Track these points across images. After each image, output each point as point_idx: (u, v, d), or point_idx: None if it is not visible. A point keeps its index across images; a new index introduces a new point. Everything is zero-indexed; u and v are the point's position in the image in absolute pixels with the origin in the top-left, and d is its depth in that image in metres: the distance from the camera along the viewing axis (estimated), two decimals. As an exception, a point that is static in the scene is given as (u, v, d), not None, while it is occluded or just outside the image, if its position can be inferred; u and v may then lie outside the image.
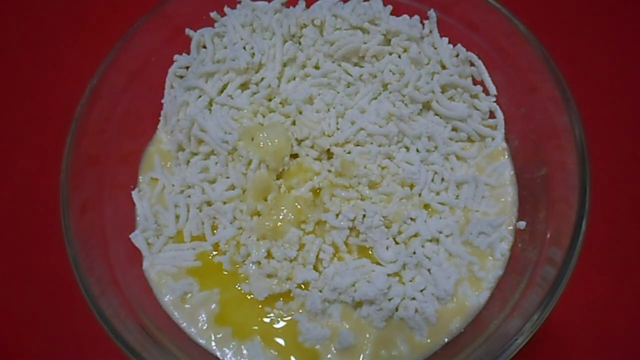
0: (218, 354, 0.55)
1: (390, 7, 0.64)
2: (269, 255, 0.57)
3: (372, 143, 0.59)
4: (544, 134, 0.57)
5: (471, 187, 0.59)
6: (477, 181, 0.59)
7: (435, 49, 0.64)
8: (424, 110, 0.62)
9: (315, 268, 0.57)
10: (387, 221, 0.57)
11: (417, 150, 0.60)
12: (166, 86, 0.66)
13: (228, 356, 0.55)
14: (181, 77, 0.66)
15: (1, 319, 0.65)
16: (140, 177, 0.63)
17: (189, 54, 0.66)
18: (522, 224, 0.58)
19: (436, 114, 0.62)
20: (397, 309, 0.55)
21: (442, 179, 0.60)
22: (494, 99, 0.63)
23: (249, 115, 0.60)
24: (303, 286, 0.56)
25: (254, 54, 0.63)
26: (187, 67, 0.66)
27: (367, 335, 0.54)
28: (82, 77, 0.58)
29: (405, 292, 0.55)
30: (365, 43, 0.63)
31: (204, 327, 0.56)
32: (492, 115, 0.64)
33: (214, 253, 0.59)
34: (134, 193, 0.62)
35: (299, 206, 0.57)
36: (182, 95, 0.62)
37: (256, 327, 0.56)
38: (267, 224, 0.57)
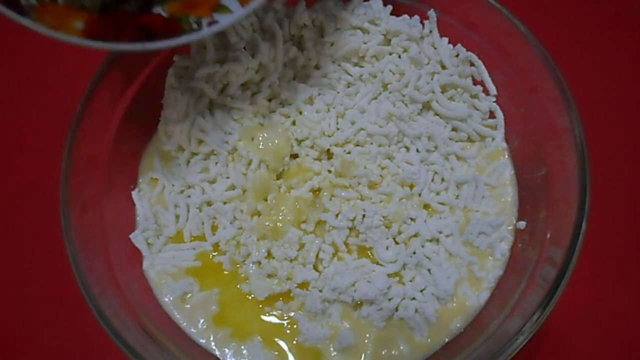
0: (218, 354, 0.55)
1: (390, 7, 0.64)
2: (269, 255, 0.57)
3: (372, 143, 0.59)
4: (544, 134, 0.57)
5: (471, 187, 0.59)
6: (477, 181, 0.59)
7: (435, 49, 0.64)
8: (424, 110, 0.62)
9: (315, 268, 0.57)
10: (387, 221, 0.57)
11: (417, 150, 0.60)
12: (166, 86, 0.66)
13: (228, 356, 0.55)
14: (181, 77, 0.66)
15: (1, 319, 0.65)
16: (140, 177, 0.63)
17: (189, 54, 0.66)
18: (522, 224, 0.58)
19: (436, 114, 0.62)
20: (397, 309, 0.55)
21: (442, 179, 0.60)
22: (494, 99, 0.63)
23: (249, 115, 0.60)
24: (303, 286, 0.56)
25: (254, 54, 0.63)
26: (187, 67, 0.66)
27: (367, 335, 0.54)
28: (82, 77, 0.58)
29: (405, 292, 0.55)
30: (365, 43, 0.63)
31: (204, 327, 0.56)
32: (492, 115, 0.64)
33: (214, 253, 0.59)
34: (134, 193, 0.62)
35: (299, 206, 0.57)
36: (182, 95, 0.62)
37: (256, 327, 0.56)
38: (267, 224, 0.57)
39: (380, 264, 0.57)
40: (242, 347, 0.55)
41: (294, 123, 0.61)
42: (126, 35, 0.48)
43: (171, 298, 0.58)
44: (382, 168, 0.59)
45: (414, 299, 0.55)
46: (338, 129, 0.60)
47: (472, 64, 0.64)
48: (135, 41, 0.48)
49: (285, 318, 0.56)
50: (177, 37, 0.49)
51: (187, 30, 0.49)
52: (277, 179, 0.60)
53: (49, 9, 0.47)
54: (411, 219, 0.58)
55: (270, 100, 0.62)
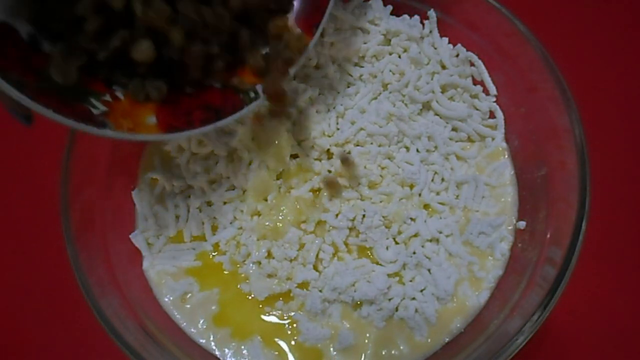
0: (218, 354, 0.55)
1: (390, 7, 0.64)
2: (269, 255, 0.57)
3: (372, 143, 0.59)
4: (544, 134, 0.57)
5: (471, 187, 0.59)
6: (477, 181, 0.59)
7: (435, 49, 0.64)
8: (424, 110, 0.62)
9: (315, 268, 0.57)
10: (387, 221, 0.57)
11: (417, 150, 0.60)
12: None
13: (228, 356, 0.55)
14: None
15: (1, 319, 0.65)
16: (140, 177, 0.63)
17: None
18: (522, 224, 0.58)
19: (436, 114, 0.62)
20: (397, 309, 0.55)
21: (442, 179, 0.60)
22: (494, 99, 0.63)
23: (249, 115, 0.60)
24: (303, 286, 0.56)
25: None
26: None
27: (367, 335, 0.54)
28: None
29: (405, 292, 0.55)
30: (365, 43, 0.63)
31: (204, 327, 0.56)
32: (492, 115, 0.64)
33: (214, 253, 0.59)
34: (134, 193, 0.62)
35: (298, 206, 0.57)
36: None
37: (256, 327, 0.56)
38: (267, 224, 0.57)
39: (380, 264, 0.57)
40: (242, 347, 0.55)
41: (294, 123, 0.61)
42: (196, 118, 0.49)
43: (171, 298, 0.58)
44: (382, 168, 0.59)
45: (414, 299, 0.55)
46: (338, 129, 0.60)
47: (472, 64, 0.64)
48: (206, 122, 0.49)
49: (285, 318, 0.56)
50: (241, 109, 0.50)
51: (248, 101, 0.51)
52: (277, 179, 0.60)
53: (118, 110, 0.46)
54: (411, 219, 0.58)
55: (270, 100, 0.62)
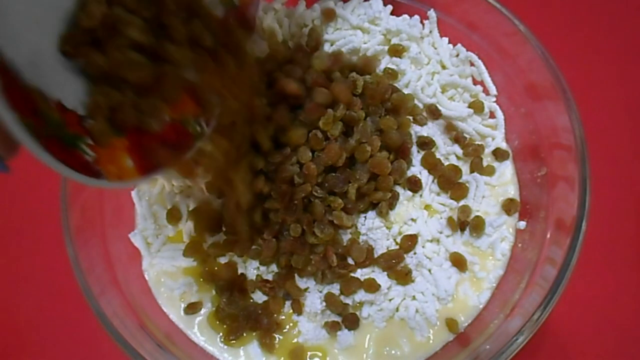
0: (217, 353, 0.55)
1: (390, 7, 0.64)
2: (269, 258, 0.57)
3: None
4: (544, 134, 0.57)
5: (471, 187, 0.59)
6: (477, 181, 0.59)
7: (435, 49, 0.64)
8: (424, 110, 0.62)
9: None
10: (388, 222, 0.57)
11: (418, 151, 0.60)
12: (166, 86, 0.65)
13: (227, 356, 0.55)
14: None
15: (1, 319, 0.65)
16: (139, 177, 0.63)
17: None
18: (522, 224, 0.58)
19: (436, 114, 0.62)
20: (397, 309, 0.55)
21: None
22: (494, 99, 0.63)
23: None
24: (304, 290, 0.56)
25: (254, 54, 0.62)
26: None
27: (368, 336, 0.54)
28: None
29: (406, 292, 0.55)
30: (365, 43, 0.63)
31: (203, 327, 0.56)
32: (492, 115, 0.64)
33: (214, 253, 0.59)
34: (133, 193, 0.62)
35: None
36: (182, 95, 0.62)
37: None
38: (267, 224, 0.57)
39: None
40: (242, 347, 0.55)
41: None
42: (159, 155, 0.47)
43: (170, 297, 0.58)
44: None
45: (414, 299, 0.55)
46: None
47: (472, 64, 0.64)
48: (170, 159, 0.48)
49: (285, 318, 0.56)
50: (194, 143, 0.49)
51: (197, 135, 0.49)
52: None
53: (104, 156, 0.44)
54: (412, 219, 0.58)
55: (270, 100, 0.62)
